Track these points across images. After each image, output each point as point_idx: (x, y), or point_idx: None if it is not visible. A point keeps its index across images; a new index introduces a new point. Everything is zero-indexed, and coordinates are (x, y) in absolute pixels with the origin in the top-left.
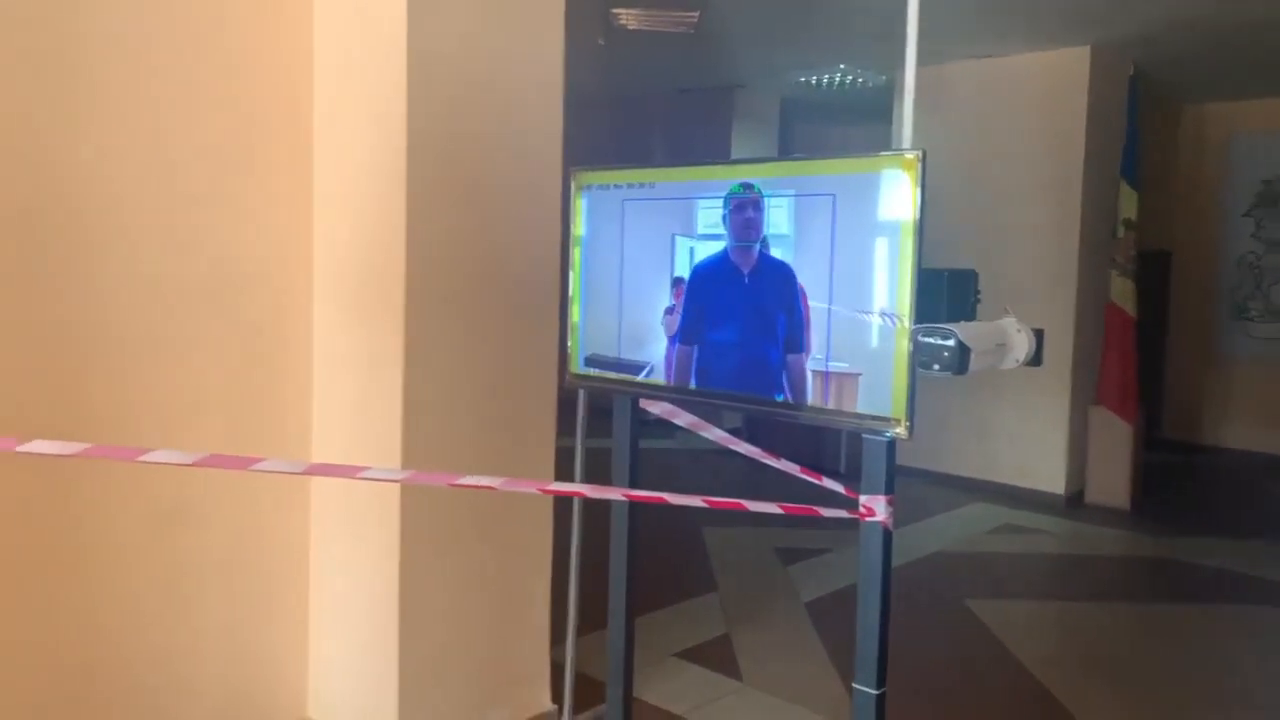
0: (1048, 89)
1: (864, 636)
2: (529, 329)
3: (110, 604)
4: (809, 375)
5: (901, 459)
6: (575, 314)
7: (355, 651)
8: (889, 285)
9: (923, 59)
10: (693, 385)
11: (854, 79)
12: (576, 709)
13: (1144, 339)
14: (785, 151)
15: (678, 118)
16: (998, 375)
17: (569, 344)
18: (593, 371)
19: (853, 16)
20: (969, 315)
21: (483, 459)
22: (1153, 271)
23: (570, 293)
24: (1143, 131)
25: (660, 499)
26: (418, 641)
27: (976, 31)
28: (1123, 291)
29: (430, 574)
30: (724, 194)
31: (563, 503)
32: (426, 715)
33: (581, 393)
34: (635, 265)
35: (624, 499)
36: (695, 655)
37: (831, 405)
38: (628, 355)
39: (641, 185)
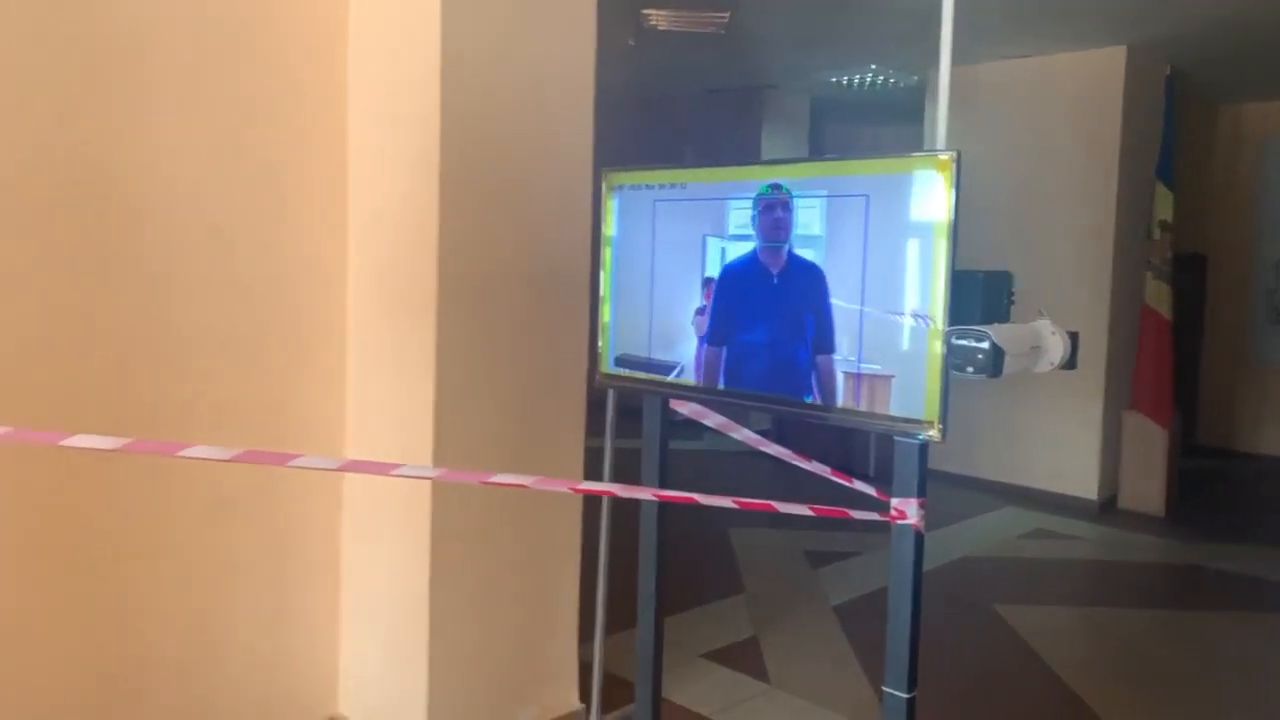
0: (1082, 89)
1: (894, 640)
2: (560, 329)
3: (144, 600)
4: (838, 376)
5: (931, 462)
6: (606, 314)
7: (385, 648)
8: (922, 287)
9: (956, 59)
10: (721, 386)
11: (885, 79)
12: (604, 708)
13: (1179, 343)
14: (815, 152)
15: (707, 118)
16: (1029, 378)
17: (599, 344)
18: (623, 371)
19: (884, 17)
20: (1003, 317)
21: (512, 458)
22: (1188, 274)
23: (601, 293)
24: (1179, 132)
25: (691, 499)
26: (447, 639)
27: (1010, 31)
28: (1158, 294)
29: (460, 572)
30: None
31: (591, 502)
32: (455, 712)
33: (611, 393)
34: (666, 265)
35: (654, 499)
36: (723, 657)
37: (863, 407)
38: (658, 355)
39: (674, 186)
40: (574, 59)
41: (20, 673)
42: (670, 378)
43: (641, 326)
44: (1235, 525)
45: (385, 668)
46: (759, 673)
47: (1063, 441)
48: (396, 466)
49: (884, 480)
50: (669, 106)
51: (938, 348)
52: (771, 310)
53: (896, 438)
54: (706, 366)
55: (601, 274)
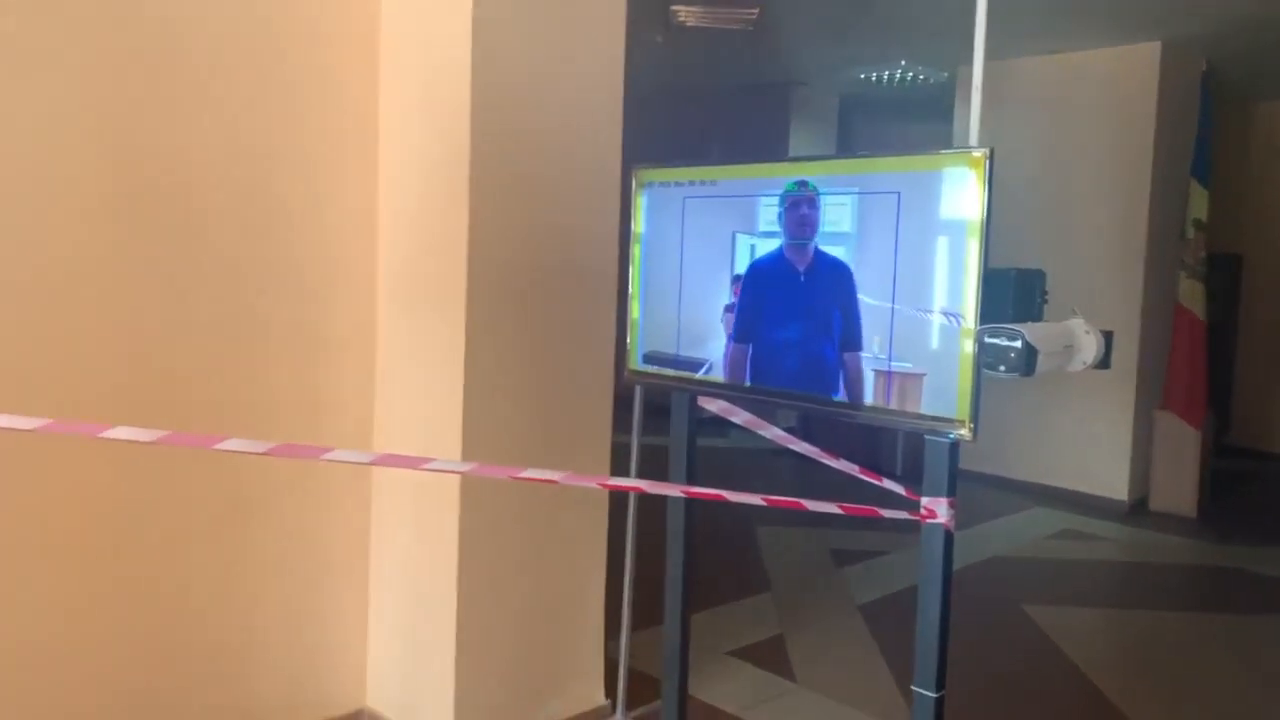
0: (1116, 86)
1: (923, 639)
2: (588, 325)
3: (175, 593)
4: (867, 374)
5: (960, 461)
6: (634, 310)
7: (413, 643)
8: (953, 284)
9: (988, 54)
10: (747, 383)
11: (914, 75)
12: (630, 705)
13: (1213, 343)
14: (844, 149)
15: (735, 115)
16: (1059, 377)
17: (628, 340)
18: (651, 368)
19: (913, 13)
20: (1036, 316)
21: (540, 453)
22: (1223, 274)
23: (630, 289)
24: (1214, 130)
25: (719, 496)
26: (474, 634)
27: (1043, 27)
28: (1191, 294)
29: (487, 567)
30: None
31: (617, 499)
32: (482, 707)
33: (638, 389)
34: (695, 262)
35: (682, 495)
36: (749, 655)
37: (894, 405)
38: (686, 352)
39: (703, 183)
40: (603, 55)
41: (61, 669)
42: (699, 375)
43: (670, 323)
44: (1267, 527)
45: (413, 663)
46: (785, 671)
47: (1093, 441)
48: (429, 460)
49: (911, 479)
50: (696, 103)
51: (969, 346)
52: (798, 307)
53: (927, 436)
54: (733, 363)
55: (630, 270)
